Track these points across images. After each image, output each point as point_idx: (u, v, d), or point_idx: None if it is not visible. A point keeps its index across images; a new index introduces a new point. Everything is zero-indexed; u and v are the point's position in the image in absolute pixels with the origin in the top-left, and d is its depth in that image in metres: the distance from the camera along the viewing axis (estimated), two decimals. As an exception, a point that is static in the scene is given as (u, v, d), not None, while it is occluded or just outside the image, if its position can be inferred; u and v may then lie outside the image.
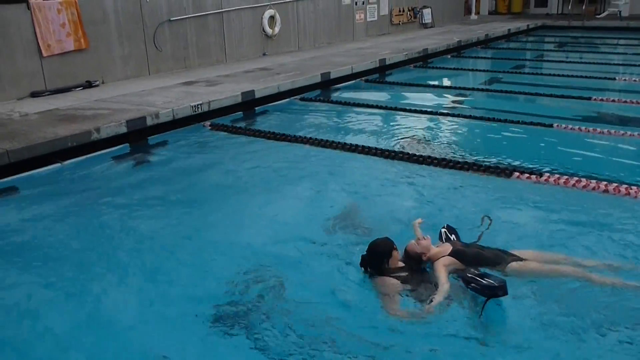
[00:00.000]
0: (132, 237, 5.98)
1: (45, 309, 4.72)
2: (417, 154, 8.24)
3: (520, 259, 4.70)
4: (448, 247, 4.80)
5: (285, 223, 6.31)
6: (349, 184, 7.43)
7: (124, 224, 6.29)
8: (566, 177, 6.99)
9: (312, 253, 5.49)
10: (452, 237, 5.17)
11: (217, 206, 6.89)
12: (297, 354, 3.96)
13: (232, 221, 6.43)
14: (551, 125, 9.66)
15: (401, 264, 4.69)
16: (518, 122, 9.99)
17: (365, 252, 4.70)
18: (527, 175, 7.15)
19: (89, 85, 11.80)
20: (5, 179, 7.59)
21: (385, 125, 10.73)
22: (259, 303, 4.58)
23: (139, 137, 9.21)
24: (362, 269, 4.75)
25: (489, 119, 10.31)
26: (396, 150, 8.58)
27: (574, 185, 6.79)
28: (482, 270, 4.47)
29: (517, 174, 7.21)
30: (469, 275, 4.37)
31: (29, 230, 6.27)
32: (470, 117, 10.75)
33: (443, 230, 5.27)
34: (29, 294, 4.90)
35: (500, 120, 10.15)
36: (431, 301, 4.30)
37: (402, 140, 9.37)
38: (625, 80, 14.01)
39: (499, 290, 4.13)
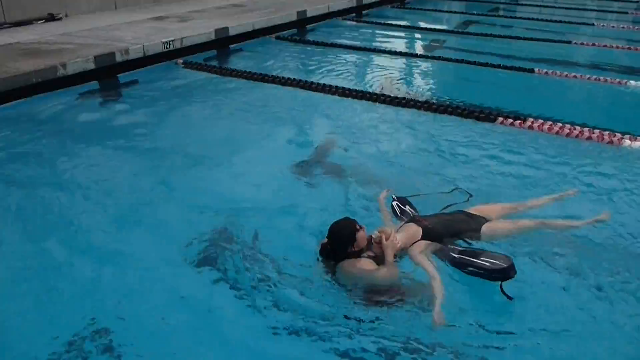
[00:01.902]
0: (98, 178, 5.61)
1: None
2: (397, 96, 8.04)
3: (487, 220, 4.35)
4: (414, 228, 4.14)
5: (260, 165, 6.08)
6: (326, 126, 7.23)
7: (91, 165, 5.95)
8: (550, 123, 6.88)
9: (286, 196, 5.31)
10: (407, 208, 4.64)
11: (188, 148, 6.55)
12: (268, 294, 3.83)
13: (204, 163, 6.13)
14: (532, 70, 9.52)
15: (370, 253, 3.97)
16: (499, 66, 9.82)
17: (325, 239, 3.97)
18: (511, 120, 7.02)
19: (51, 18, 11.14)
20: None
21: (363, 67, 10.44)
22: (230, 247, 4.40)
23: (108, 74, 8.73)
24: (322, 258, 4.03)
25: (470, 62, 10.11)
26: (376, 92, 8.34)
27: (558, 132, 6.71)
28: (459, 243, 4.14)
29: (501, 119, 7.08)
30: (460, 256, 3.91)
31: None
32: (451, 60, 10.55)
33: (395, 203, 4.69)
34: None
35: (482, 64, 9.96)
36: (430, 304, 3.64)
37: (380, 82, 9.14)
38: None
39: (510, 271, 3.66)
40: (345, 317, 3.55)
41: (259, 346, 3.41)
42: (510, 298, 3.62)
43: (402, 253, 4.03)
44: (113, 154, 6.30)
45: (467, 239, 4.20)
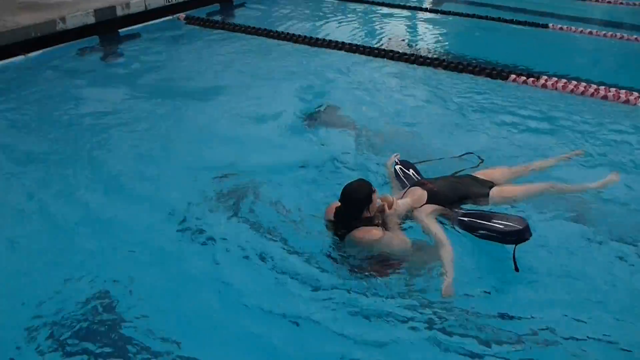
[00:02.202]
0: (100, 134, 5.46)
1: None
2: (406, 52, 7.80)
3: (495, 183, 4.17)
4: (419, 192, 3.94)
5: (266, 120, 5.90)
6: (335, 82, 7.00)
7: (93, 121, 5.79)
8: (564, 81, 6.66)
9: (293, 154, 5.16)
10: (411, 172, 4.38)
11: (191, 102, 6.37)
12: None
13: (209, 118, 6.00)
14: (547, 26, 9.21)
15: (378, 222, 3.74)
16: (512, 22, 9.50)
17: (336, 202, 3.68)
18: (524, 78, 6.79)
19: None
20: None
21: (372, 22, 10.15)
22: (230, 203, 4.31)
23: (109, 29, 8.50)
24: (329, 224, 3.76)
25: (481, 17, 9.79)
26: (385, 48, 8.07)
27: (572, 90, 6.49)
28: (466, 207, 3.93)
29: (513, 76, 6.85)
30: (470, 219, 3.73)
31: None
32: (462, 14, 10.20)
33: (398, 167, 4.43)
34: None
35: (494, 19, 9.65)
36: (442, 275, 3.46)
37: (390, 37, 8.88)
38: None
39: (525, 233, 3.46)
40: (350, 289, 3.40)
41: (265, 319, 3.24)
42: (517, 270, 3.47)
43: (407, 218, 3.87)
44: (114, 108, 6.14)
45: (474, 204, 4.04)
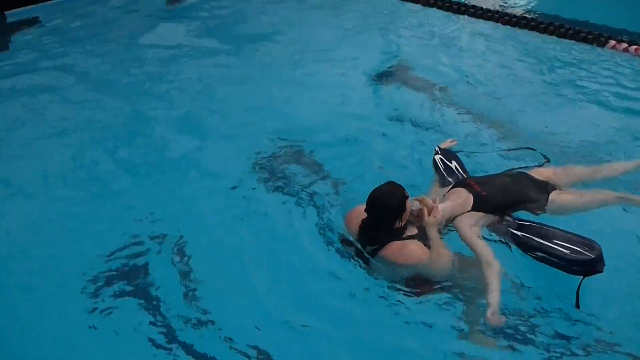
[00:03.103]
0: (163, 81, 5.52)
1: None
2: (489, 9, 6.97)
3: (555, 188, 3.42)
4: (464, 195, 3.26)
5: (334, 73, 5.64)
6: (407, 38, 6.48)
7: (157, 67, 5.83)
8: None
9: (353, 111, 4.94)
10: (453, 165, 3.71)
11: (256, 53, 6.16)
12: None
13: (279, 68, 5.80)
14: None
15: (412, 231, 3.10)
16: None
17: (367, 209, 3.01)
18: (626, 45, 5.85)
19: None
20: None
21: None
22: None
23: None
24: (360, 241, 3.16)
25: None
26: (465, 3, 7.26)
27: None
28: (519, 215, 3.22)
29: (613, 42, 5.93)
30: (524, 235, 3.04)
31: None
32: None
33: (438, 157, 3.77)
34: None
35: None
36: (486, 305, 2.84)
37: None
38: None
39: (597, 264, 2.78)
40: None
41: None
42: (578, 307, 2.83)
43: (446, 226, 3.22)
44: (178, 57, 6.09)
45: (528, 210, 3.31)
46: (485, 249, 3.00)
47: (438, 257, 2.97)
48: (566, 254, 2.83)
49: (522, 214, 3.30)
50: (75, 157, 4.39)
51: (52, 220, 3.74)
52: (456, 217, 3.19)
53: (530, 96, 5.11)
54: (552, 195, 3.34)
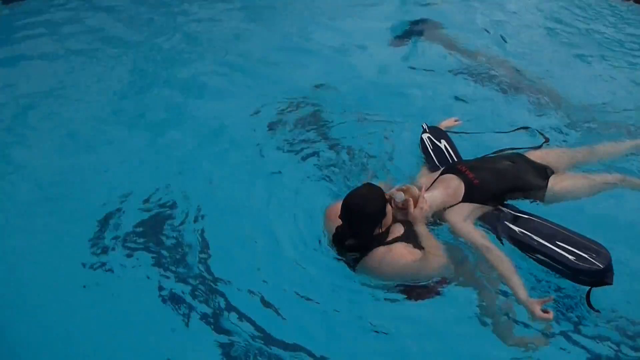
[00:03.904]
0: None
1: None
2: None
3: (553, 171, 3.13)
4: (454, 184, 2.97)
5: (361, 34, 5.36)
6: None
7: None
8: None
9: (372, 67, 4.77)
10: (442, 144, 3.40)
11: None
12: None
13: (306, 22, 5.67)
14: None
15: (398, 230, 2.79)
16: None
17: (341, 215, 2.70)
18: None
19: None
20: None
21: None
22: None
23: None
24: (335, 247, 2.89)
25: None
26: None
27: None
28: (515, 205, 2.94)
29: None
30: (522, 232, 2.73)
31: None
32: None
33: (426, 136, 3.45)
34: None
35: None
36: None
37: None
38: None
39: (606, 275, 2.50)
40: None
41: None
42: (596, 310, 2.57)
43: (435, 218, 2.94)
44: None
45: (525, 197, 3.03)
46: (485, 242, 2.75)
47: (431, 256, 2.66)
48: (571, 260, 2.55)
49: (518, 202, 3.01)
50: (99, 110, 4.48)
51: (74, 167, 3.84)
52: (446, 209, 2.93)
53: (574, 63, 4.74)
54: (552, 181, 3.07)
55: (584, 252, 2.55)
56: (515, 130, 3.70)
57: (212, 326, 2.73)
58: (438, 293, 2.71)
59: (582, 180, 3.10)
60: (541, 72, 4.59)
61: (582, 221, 2.86)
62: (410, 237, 2.77)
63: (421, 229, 2.77)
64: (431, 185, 3.05)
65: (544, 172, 3.10)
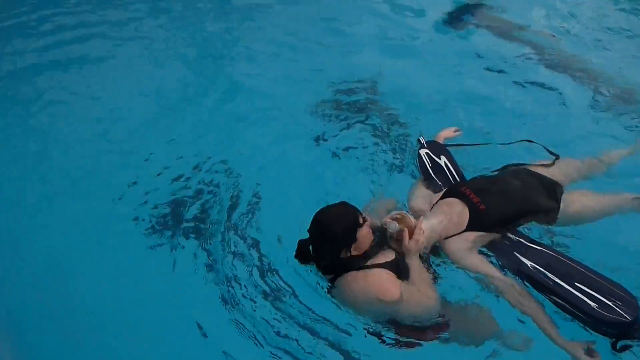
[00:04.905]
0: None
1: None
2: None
3: (562, 189, 2.84)
4: (457, 209, 2.68)
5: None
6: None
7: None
8: None
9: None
10: (443, 161, 3.10)
11: None
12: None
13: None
14: None
15: (388, 256, 2.50)
16: None
17: (309, 229, 2.48)
18: None
19: None
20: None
21: None
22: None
23: None
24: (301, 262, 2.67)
25: None
26: None
27: None
28: (524, 232, 2.66)
29: None
30: (535, 267, 2.44)
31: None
32: None
33: (424, 152, 3.15)
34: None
35: None
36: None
37: None
38: None
39: (633, 327, 2.22)
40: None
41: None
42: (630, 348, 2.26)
43: (430, 252, 2.64)
44: None
45: (535, 221, 2.73)
46: (500, 276, 2.45)
47: (416, 293, 2.36)
48: (592, 308, 2.26)
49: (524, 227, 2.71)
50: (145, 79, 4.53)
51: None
52: (448, 239, 2.60)
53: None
54: (564, 202, 2.75)
55: (607, 299, 2.26)
56: (518, 142, 3.37)
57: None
58: (434, 339, 2.41)
59: (595, 200, 2.80)
60: (608, 65, 4.29)
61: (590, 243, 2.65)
62: (401, 266, 2.46)
63: (414, 262, 2.47)
64: (430, 210, 2.73)
65: (554, 190, 2.79)
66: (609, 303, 2.25)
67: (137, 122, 4.02)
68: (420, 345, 2.39)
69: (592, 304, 2.27)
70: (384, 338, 2.42)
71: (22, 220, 3.23)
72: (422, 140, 3.23)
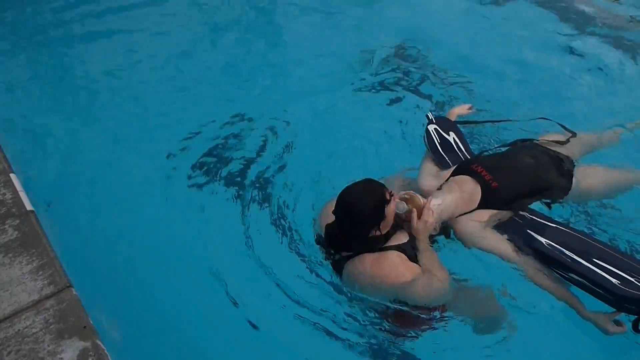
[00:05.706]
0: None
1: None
2: None
3: (573, 163, 2.77)
4: (469, 186, 2.57)
5: None
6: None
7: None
8: None
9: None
10: (452, 137, 2.98)
11: None
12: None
13: None
14: None
15: (400, 238, 2.42)
16: None
17: (335, 211, 2.33)
18: None
19: None
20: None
21: None
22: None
23: None
24: (322, 247, 2.59)
25: None
26: None
27: None
28: (539, 209, 2.58)
29: None
30: (551, 244, 2.34)
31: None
32: None
33: (432, 128, 3.03)
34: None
35: None
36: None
37: None
38: None
39: None
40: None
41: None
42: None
43: (440, 232, 2.54)
44: None
45: (547, 198, 2.64)
46: (515, 252, 2.38)
47: (427, 276, 2.27)
48: (613, 284, 2.16)
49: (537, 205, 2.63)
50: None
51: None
52: (456, 218, 2.50)
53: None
54: (576, 177, 2.66)
55: (628, 274, 2.18)
56: (533, 120, 3.28)
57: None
58: (430, 327, 2.36)
59: (606, 175, 2.73)
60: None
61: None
62: (414, 248, 2.38)
63: (423, 245, 2.38)
64: (440, 188, 2.62)
65: (566, 165, 2.70)
66: (631, 279, 2.16)
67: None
68: (413, 336, 2.37)
69: (613, 280, 2.17)
70: (384, 325, 2.38)
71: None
72: (430, 116, 3.13)
